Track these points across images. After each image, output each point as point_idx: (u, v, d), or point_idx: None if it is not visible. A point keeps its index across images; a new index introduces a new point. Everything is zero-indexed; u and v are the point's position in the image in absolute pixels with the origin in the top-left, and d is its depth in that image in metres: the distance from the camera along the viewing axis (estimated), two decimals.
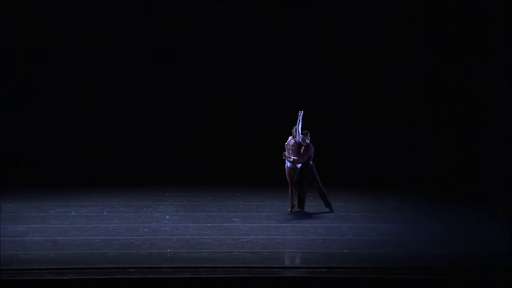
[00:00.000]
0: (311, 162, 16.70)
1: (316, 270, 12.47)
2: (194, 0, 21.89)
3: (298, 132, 16.63)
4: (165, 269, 12.41)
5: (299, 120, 16.67)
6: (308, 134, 16.72)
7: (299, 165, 16.63)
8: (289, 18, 21.96)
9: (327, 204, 16.94)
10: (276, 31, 21.87)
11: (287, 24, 21.93)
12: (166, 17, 21.92)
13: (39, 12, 21.49)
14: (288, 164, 16.65)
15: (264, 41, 21.91)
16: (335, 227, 15.65)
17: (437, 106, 21.87)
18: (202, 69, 22.17)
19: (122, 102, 21.89)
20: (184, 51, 22.04)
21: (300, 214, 16.80)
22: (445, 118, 21.79)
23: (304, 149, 16.60)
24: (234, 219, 16.35)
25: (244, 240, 14.46)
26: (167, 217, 16.58)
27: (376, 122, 21.85)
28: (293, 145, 16.62)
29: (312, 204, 17.41)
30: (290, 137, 16.73)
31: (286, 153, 16.54)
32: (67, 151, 21.60)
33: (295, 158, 16.47)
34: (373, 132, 21.81)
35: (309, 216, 16.72)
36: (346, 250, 13.75)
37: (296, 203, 16.90)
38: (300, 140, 16.56)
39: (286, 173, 16.74)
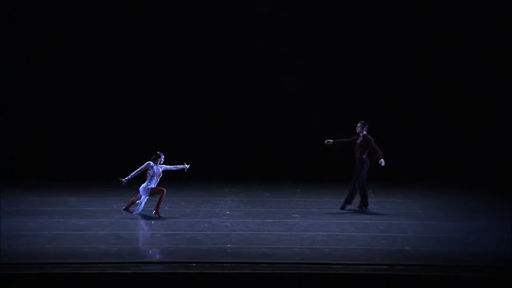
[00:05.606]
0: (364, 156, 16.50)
1: (377, 267, 12.35)
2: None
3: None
4: (225, 264, 12.43)
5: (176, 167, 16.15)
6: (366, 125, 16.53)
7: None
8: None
9: (348, 202, 16.61)
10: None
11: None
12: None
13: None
14: None
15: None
16: (396, 224, 15.49)
17: (499, 106, 21.50)
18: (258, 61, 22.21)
19: (188, 95, 22.06)
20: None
21: (362, 211, 16.67)
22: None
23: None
24: (294, 215, 16.31)
25: (304, 236, 14.41)
26: (227, 212, 16.63)
27: (440, 121, 21.58)
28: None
29: (373, 201, 17.26)
30: None
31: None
32: (128, 147, 21.82)
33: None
34: (436, 130, 21.54)
35: (369, 213, 16.58)
36: (407, 247, 13.60)
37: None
38: None
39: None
